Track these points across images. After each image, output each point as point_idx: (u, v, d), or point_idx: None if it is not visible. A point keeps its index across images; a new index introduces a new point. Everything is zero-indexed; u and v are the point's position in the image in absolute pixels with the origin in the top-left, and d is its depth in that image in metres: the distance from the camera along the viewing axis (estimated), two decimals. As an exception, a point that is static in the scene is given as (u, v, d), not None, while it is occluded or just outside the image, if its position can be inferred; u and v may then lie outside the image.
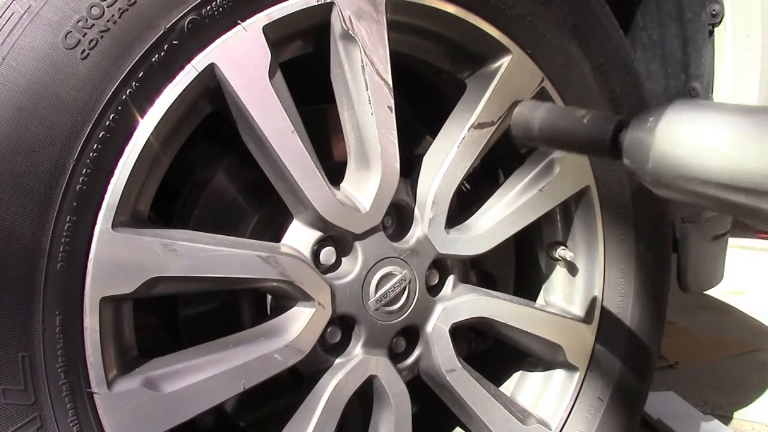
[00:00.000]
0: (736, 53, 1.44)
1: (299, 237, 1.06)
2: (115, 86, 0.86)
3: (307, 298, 1.02)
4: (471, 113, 1.15)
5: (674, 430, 1.89)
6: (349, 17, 1.01)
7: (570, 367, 1.34)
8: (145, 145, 0.89)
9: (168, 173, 0.97)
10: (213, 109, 0.99)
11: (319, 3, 0.99)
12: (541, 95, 1.23)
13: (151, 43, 0.88)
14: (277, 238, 1.08)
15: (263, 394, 1.09)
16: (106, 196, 0.87)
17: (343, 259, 1.08)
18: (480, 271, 1.38)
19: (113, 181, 0.87)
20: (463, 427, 1.33)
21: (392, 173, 1.07)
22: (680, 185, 0.78)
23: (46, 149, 0.82)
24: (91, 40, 0.84)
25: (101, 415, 0.89)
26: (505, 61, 1.18)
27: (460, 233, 1.18)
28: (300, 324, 1.02)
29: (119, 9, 0.85)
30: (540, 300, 1.40)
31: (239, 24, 0.94)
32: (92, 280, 0.86)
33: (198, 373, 0.95)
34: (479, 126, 1.15)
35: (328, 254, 1.07)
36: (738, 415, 2.08)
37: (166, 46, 0.89)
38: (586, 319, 1.35)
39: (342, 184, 1.08)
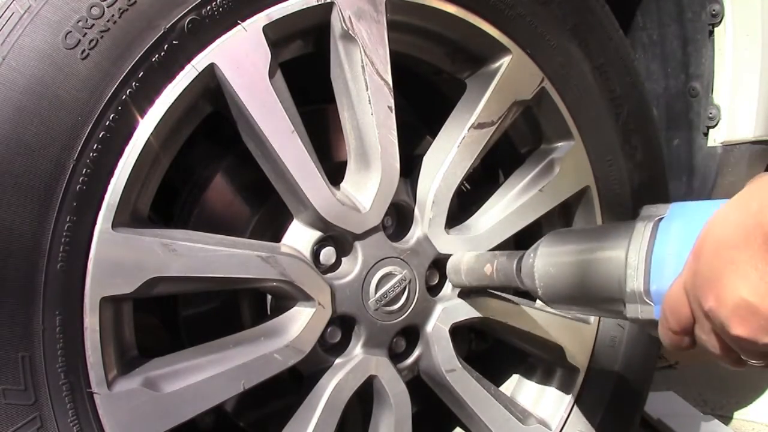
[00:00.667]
0: (736, 53, 1.44)
1: (299, 237, 1.06)
2: (115, 86, 0.86)
3: (307, 298, 1.02)
4: (471, 113, 1.15)
5: (674, 430, 1.89)
6: (349, 17, 1.01)
7: (570, 367, 1.34)
8: (145, 145, 0.89)
9: (168, 173, 0.97)
10: (213, 109, 0.99)
11: (319, 3, 0.99)
12: (541, 95, 1.23)
13: (151, 43, 0.88)
14: (277, 238, 1.08)
15: (263, 394, 1.09)
16: (106, 196, 0.87)
17: (343, 259, 1.08)
18: (480, 271, 1.38)
19: (113, 181, 0.87)
20: (463, 427, 1.33)
21: (392, 173, 1.07)
22: (561, 303, 0.94)
23: (46, 149, 0.82)
24: (91, 40, 0.84)
25: (101, 415, 0.89)
26: (505, 61, 1.18)
27: (460, 233, 1.18)
28: (300, 324, 1.02)
29: (119, 9, 0.85)
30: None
31: (239, 24, 0.94)
32: (92, 280, 0.86)
33: (198, 373, 0.95)
34: (479, 126, 1.15)
35: (328, 254, 1.07)
36: (738, 415, 2.08)
37: (166, 46, 0.89)
38: (586, 319, 1.35)
39: (342, 184, 1.08)
